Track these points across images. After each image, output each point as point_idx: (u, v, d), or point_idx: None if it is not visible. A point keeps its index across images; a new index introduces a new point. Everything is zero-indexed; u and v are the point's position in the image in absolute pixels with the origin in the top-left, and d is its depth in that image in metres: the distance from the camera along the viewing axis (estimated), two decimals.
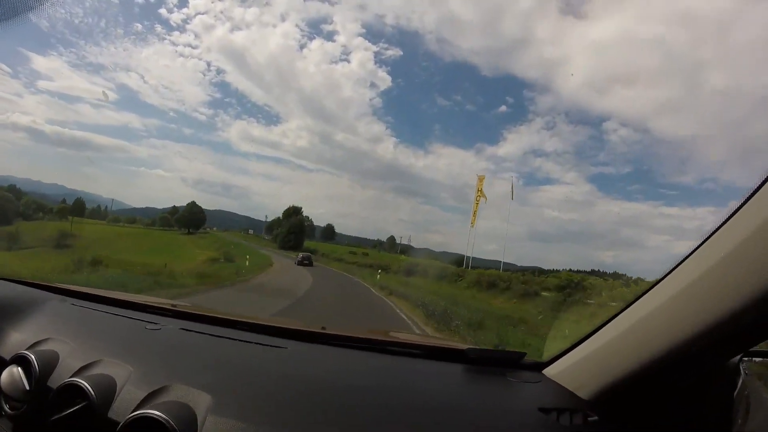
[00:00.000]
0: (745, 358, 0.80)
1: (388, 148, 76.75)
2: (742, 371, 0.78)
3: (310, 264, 30.72)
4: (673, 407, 0.79)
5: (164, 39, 68.69)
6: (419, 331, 8.83)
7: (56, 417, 0.80)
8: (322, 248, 48.20)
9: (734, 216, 0.61)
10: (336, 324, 2.10)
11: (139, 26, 70.26)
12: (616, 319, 0.81)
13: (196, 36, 70.07)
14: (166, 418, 0.70)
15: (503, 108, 66.02)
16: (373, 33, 75.69)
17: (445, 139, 75.02)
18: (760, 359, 0.83)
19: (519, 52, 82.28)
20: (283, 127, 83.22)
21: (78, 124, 76.39)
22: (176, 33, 68.79)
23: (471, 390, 0.96)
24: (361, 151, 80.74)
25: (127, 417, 0.73)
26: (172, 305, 1.39)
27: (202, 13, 70.17)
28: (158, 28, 70.04)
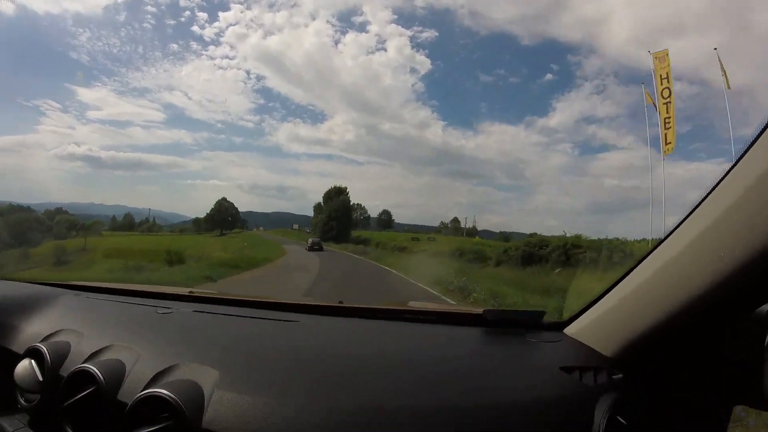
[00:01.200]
0: None
1: (437, 132, 73.67)
2: None
3: (320, 249, 28.40)
4: (701, 360, 0.74)
5: (201, 54, 69.48)
6: None
7: (67, 403, 0.81)
8: (377, 237, 38.44)
9: (751, 150, 0.56)
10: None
11: (175, 46, 71.19)
12: (634, 270, 0.76)
13: (231, 47, 69.89)
14: (172, 395, 0.70)
15: (549, 76, 60.99)
16: (405, 17, 74.73)
17: (492, 116, 73.02)
18: None
19: (557, 14, 78.34)
20: (329, 124, 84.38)
21: (131, 147, 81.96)
22: (212, 47, 68.89)
23: (490, 352, 0.93)
24: (410, 139, 78.34)
25: (135, 397, 0.73)
26: (190, 291, 1.38)
27: (234, 24, 68.42)
28: (194, 45, 70.84)
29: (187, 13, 68.30)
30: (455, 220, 65.19)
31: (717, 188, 0.60)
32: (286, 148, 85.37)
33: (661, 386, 0.77)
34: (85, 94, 70.86)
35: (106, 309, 1.21)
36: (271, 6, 73.00)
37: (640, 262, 0.75)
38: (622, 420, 0.71)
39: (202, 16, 70.75)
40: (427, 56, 68.49)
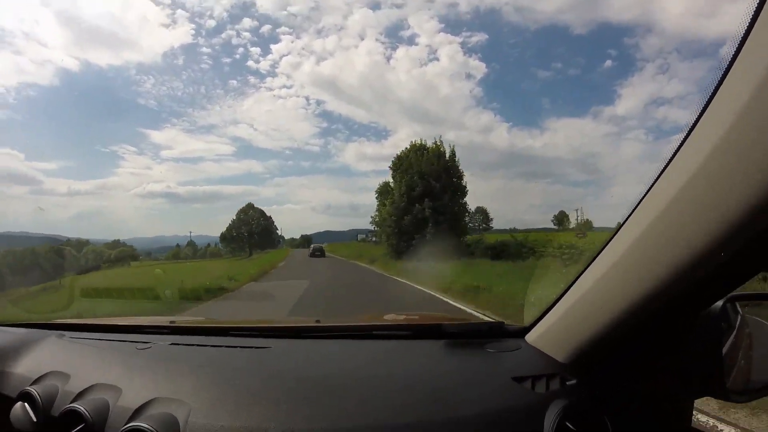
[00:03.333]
0: (731, 303, 0.74)
1: (502, 134, 73.09)
2: (739, 310, 0.75)
3: (322, 255, 26.29)
4: (658, 358, 0.76)
5: (260, 87, 74.80)
6: None
7: None
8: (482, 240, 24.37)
9: (688, 139, 0.53)
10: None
11: (234, 82, 78.31)
12: (586, 271, 0.75)
13: (288, 76, 74.60)
14: (151, 427, 0.77)
15: (608, 63, 61.95)
16: (451, 24, 73.31)
17: (557, 111, 69.31)
18: (744, 302, 0.78)
19: None
20: (393, 139, 79.77)
21: (206, 180, 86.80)
22: (269, 79, 73.82)
23: (448, 365, 0.95)
24: (476, 145, 72.83)
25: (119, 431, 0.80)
26: (170, 322, 1.41)
27: (286, 55, 72.31)
28: (251, 79, 76.60)
29: (241, 49, 72.11)
30: (562, 214, 51.87)
31: (660, 177, 0.57)
32: (354, 167, 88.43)
33: (618, 386, 0.78)
34: (156, 136, 78.42)
35: (89, 348, 1.26)
36: (319, 32, 75.21)
37: (593, 260, 0.72)
38: (570, 426, 0.73)
39: (255, 50, 74.54)
40: (481, 60, 68.28)
